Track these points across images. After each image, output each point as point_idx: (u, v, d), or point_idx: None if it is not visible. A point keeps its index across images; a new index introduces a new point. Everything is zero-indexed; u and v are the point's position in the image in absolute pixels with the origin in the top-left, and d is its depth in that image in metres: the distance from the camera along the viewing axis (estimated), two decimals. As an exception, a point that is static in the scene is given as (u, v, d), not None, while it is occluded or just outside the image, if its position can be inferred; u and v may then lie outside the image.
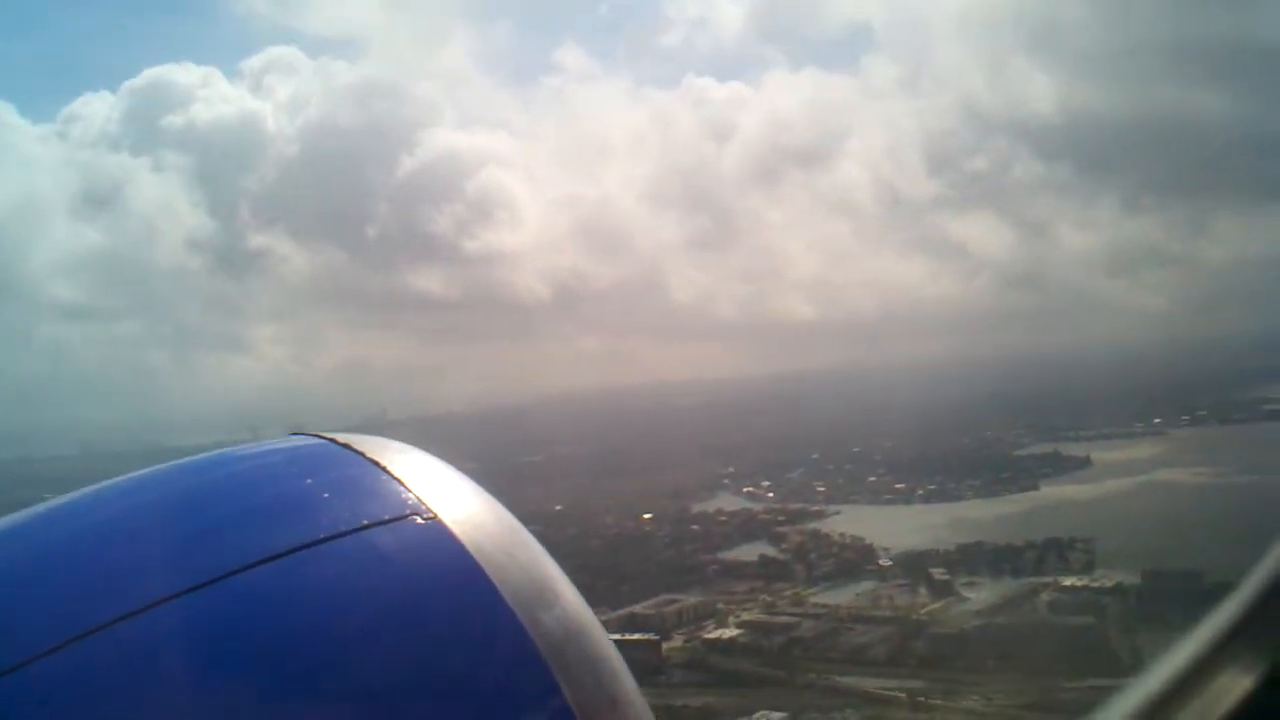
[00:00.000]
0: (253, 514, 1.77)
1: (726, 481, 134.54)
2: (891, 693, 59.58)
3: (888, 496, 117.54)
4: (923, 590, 79.05)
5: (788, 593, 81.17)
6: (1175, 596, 71.47)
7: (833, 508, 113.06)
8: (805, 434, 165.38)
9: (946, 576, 79.65)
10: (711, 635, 71.10)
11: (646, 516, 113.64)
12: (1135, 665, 62.05)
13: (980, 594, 77.19)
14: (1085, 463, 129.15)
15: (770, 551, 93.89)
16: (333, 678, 1.52)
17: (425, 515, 1.73)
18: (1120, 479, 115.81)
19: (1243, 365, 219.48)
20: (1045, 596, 74.88)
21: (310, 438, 2.06)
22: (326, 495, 1.78)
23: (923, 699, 58.03)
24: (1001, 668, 62.86)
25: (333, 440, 2.00)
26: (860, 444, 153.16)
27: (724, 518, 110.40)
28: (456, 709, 1.55)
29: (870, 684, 61.45)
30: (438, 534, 1.70)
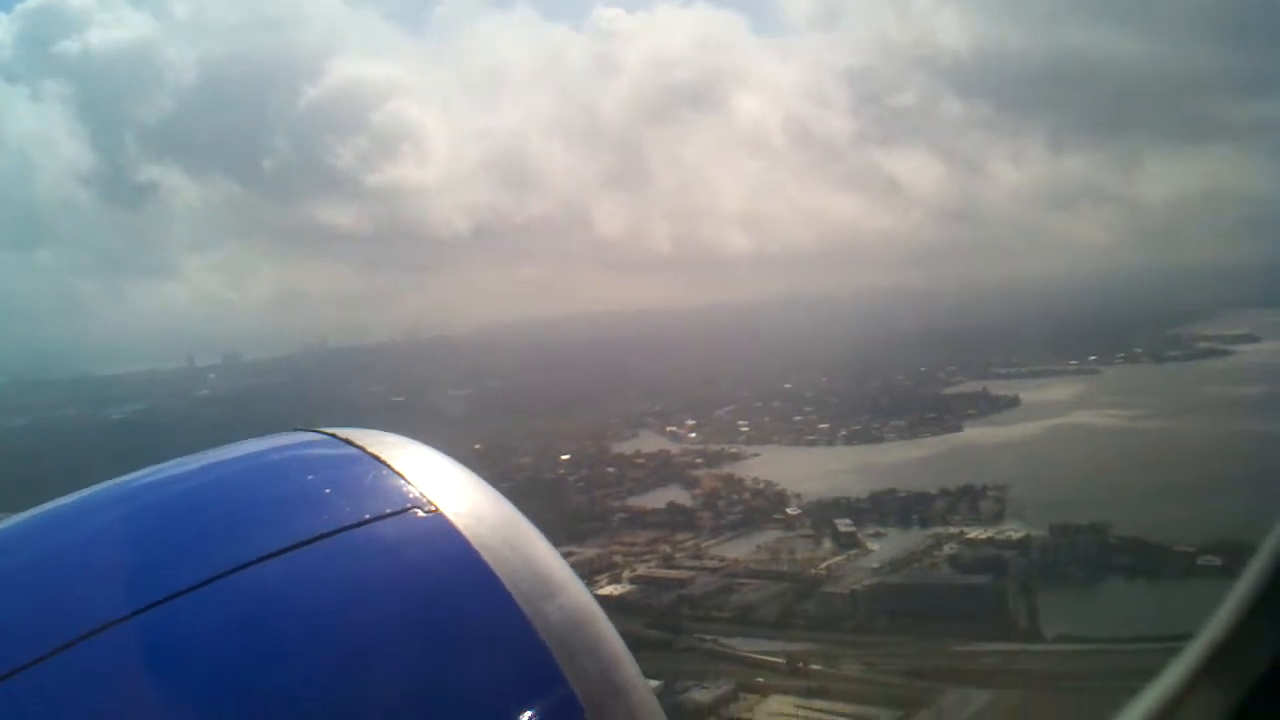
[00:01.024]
0: (254, 511, 1.81)
1: (652, 420, 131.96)
2: (772, 658, 57.41)
3: (810, 437, 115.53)
4: (827, 542, 77.07)
5: (688, 544, 78.93)
6: (1079, 552, 69.94)
7: (753, 449, 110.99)
8: (739, 369, 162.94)
9: (852, 528, 77.54)
10: (603, 592, 68.35)
11: (564, 458, 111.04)
12: (1028, 629, 60.39)
13: (884, 546, 75.28)
14: (1014, 402, 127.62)
15: (681, 497, 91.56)
16: (336, 673, 1.55)
17: (426, 508, 1.76)
18: (1040, 421, 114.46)
19: (1182, 300, 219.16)
20: (948, 549, 72.98)
21: (310, 433, 2.11)
22: (328, 491, 1.81)
23: (802, 664, 55.80)
24: (891, 629, 60.89)
25: (333, 435, 2.05)
26: (794, 380, 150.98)
27: (641, 460, 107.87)
28: (461, 700, 1.57)
29: (754, 647, 59.32)
30: (439, 527, 1.74)
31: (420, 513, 1.75)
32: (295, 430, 2.14)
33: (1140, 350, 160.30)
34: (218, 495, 1.90)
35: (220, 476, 2.01)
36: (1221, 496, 78.26)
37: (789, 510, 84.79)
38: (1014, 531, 74.25)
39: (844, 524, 78.34)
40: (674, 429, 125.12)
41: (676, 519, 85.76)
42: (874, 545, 75.60)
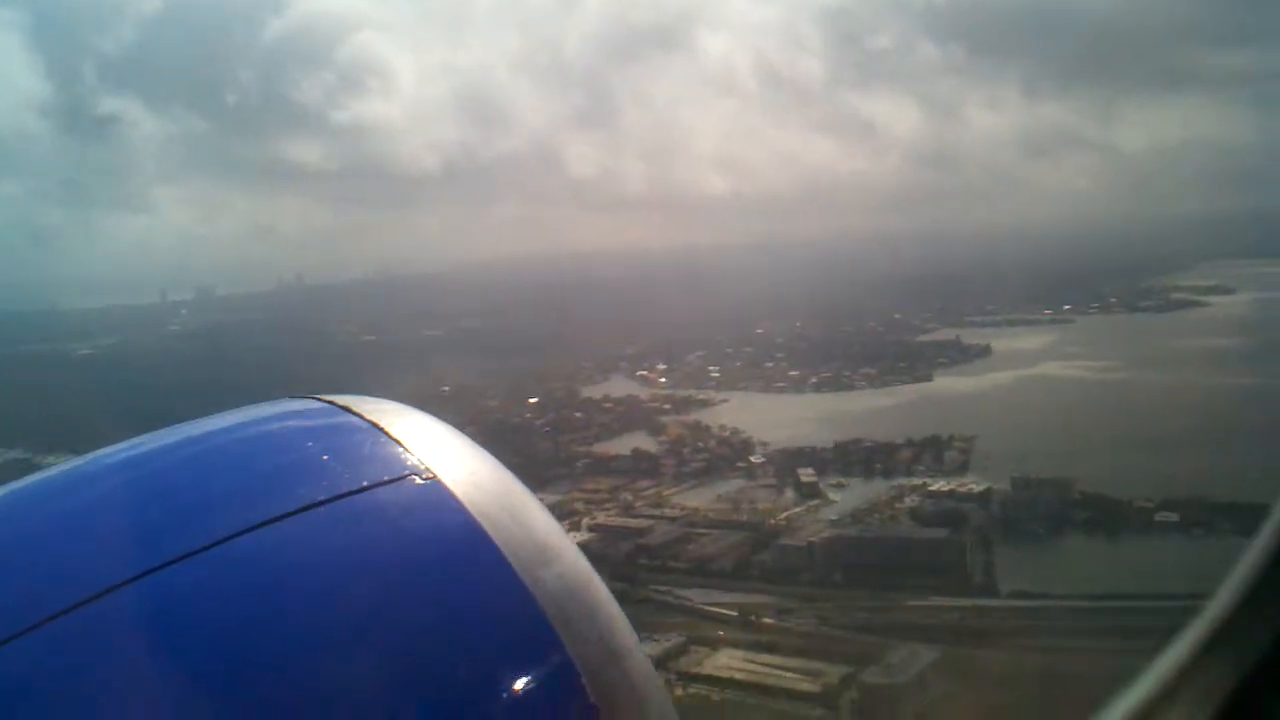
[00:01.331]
0: (251, 478, 1.82)
1: (624, 364, 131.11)
2: (725, 610, 57.21)
3: (780, 384, 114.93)
4: (789, 492, 76.77)
5: (650, 491, 78.56)
6: (1039, 507, 69.75)
7: (722, 395, 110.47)
8: (714, 312, 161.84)
9: (814, 478, 77.21)
10: (562, 539, 68.21)
11: (532, 401, 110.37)
12: (984, 584, 60.31)
13: (846, 496, 75.04)
14: (985, 351, 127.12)
15: (647, 444, 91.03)
16: (335, 640, 1.56)
17: (424, 475, 1.77)
18: (1009, 371, 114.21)
19: (1158, 250, 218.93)
20: (910, 501, 72.83)
21: (307, 400, 2.11)
22: (325, 458, 1.82)
23: (754, 618, 55.58)
24: (846, 583, 60.73)
25: (330, 402, 2.06)
26: (767, 325, 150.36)
27: (609, 405, 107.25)
28: (459, 666, 1.57)
29: (708, 599, 59.11)
30: (437, 494, 1.74)
31: (418, 479, 1.75)
32: (293, 397, 2.11)
33: (1114, 301, 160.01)
34: (216, 462, 1.89)
35: (218, 444, 1.98)
36: (1182, 450, 78.30)
37: (753, 459, 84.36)
38: (976, 484, 74.08)
39: (806, 474, 78.01)
40: (645, 373, 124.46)
41: (641, 466, 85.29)
42: (835, 496, 75.33)
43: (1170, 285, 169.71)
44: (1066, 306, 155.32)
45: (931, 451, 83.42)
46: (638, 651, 1.73)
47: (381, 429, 1.87)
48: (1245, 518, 66.83)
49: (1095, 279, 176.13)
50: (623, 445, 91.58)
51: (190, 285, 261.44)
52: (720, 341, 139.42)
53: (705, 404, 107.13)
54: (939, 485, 74.97)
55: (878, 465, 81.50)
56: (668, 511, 73.85)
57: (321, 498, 1.68)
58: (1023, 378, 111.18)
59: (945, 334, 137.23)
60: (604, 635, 1.67)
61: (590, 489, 79.22)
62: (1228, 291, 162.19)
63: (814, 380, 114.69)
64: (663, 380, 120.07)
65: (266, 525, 1.62)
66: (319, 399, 2.07)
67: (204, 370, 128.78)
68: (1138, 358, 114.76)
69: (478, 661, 1.58)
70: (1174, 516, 66.56)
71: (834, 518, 69.40)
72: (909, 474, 79.53)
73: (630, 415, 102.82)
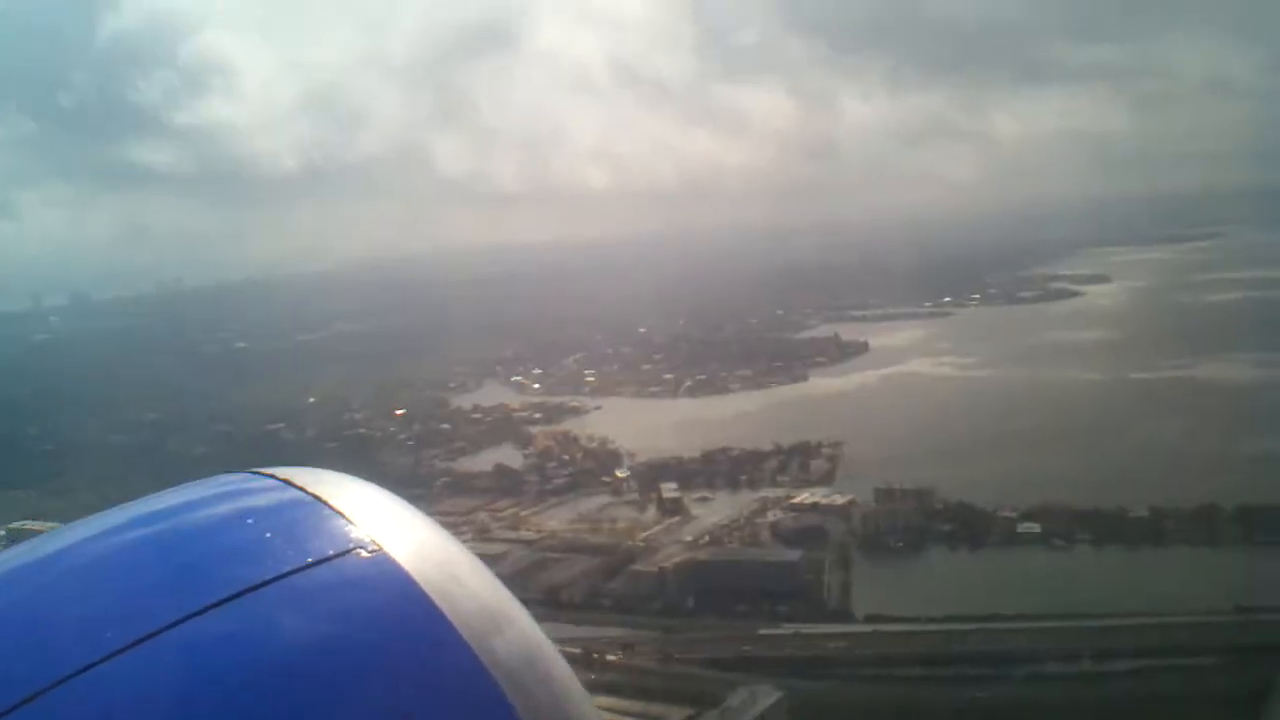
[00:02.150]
0: (195, 560, 1.78)
1: (500, 368, 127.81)
2: (569, 649, 54.33)
3: (654, 389, 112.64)
4: (651, 509, 74.41)
5: (508, 512, 75.60)
6: (901, 520, 68.25)
7: (596, 402, 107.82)
8: (597, 310, 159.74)
9: (676, 494, 74.98)
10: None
11: (399, 413, 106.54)
12: (838, 608, 58.41)
13: (708, 512, 72.91)
14: (863, 348, 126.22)
15: (512, 459, 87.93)
16: (285, 717, 1.53)
17: (369, 549, 1.74)
18: (879, 370, 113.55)
19: (1040, 237, 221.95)
20: (772, 515, 70.89)
21: (247, 475, 2.06)
22: (269, 535, 1.79)
23: (598, 655, 52.85)
24: (697, 610, 58.46)
25: (271, 475, 2.01)
26: (649, 323, 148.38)
27: (478, 415, 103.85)
28: None
29: (556, 634, 55.78)
30: (383, 567, 1.72)
31: (364, 553, 1.72)
32: (230, 472, 2.07)
33: (995, 291, 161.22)
34: (156, 547, 1.84)
35: (157, 528, 1.92)
36: (1041, 451, 77.79)
37: (618, 472, 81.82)
38: (840, 495, 72.36)
39: (669, 489, 75.72)
40: (520, 378, 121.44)
41: (503, 483, 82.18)
42: (698, 511, 73.21)
43: (1050, 275, 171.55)
44: (947, 299, 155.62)
45: (799, 460, 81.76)
46: (594, 717, 1.72)
47: (324, 501, 1.84)
48: (1101, 526, 66.32)
49: (979, 267, 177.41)
50: (487, 460, 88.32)
51: (65, 290, 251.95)
52: (600, 341, 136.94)
53: (578, 411, 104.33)
54: (803, 497, 73.15)
55: (743, 477, 79.59)
56: (524, 534, 70.90)
57: (267, 577, 1.64)
58: (890, 377, 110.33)
59: (824, 331, 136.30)
60: (559, 702, 1.65)
61: (446, 511, 75.47)
62: (1104, 280, 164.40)
63: (689, 383, 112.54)
64: (536, 386, 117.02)
65: (211, 609, 1.59)
66: (257, 472, 2.00)
67: (71, 385, 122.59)
68: (1005, 353, 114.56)
69: None
70: (1036, 527, 65.59)
71: (690, 538, 67.07)
72: (774, 484, 77.80)
73: (499, 426, 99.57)
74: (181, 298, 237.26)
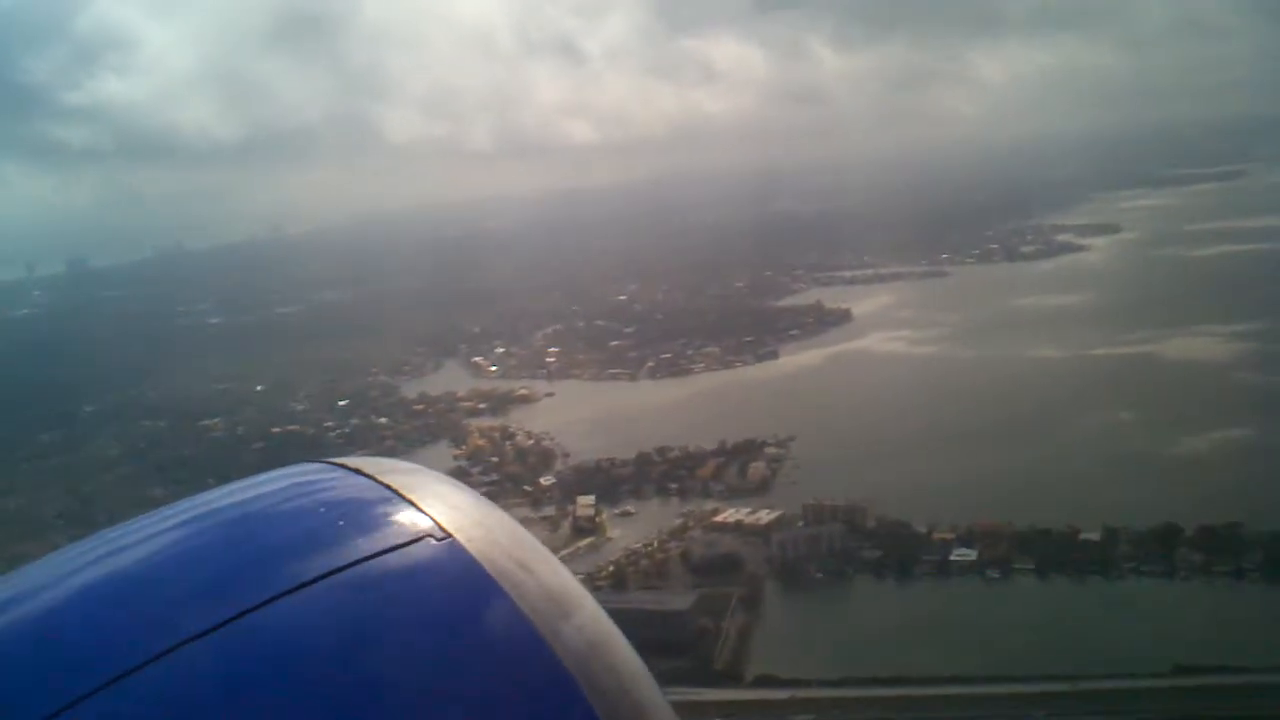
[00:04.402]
0: (271, 549, 1.83)
1: (464, 346, 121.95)
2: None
3: (614, 370, 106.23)
4: (566, 526, 68.45)
5: (417, 531, 69.66)
6: (824, 544, 61.82)
7: (550, 387, 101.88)
8: (580, 273, 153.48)
9: (592, 510, 69.06)
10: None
11: (342, 404, 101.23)
12: (729, 667, 52.03)
13: (628, 530, 66.88)
14: (845, 317, 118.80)
15: (440, 460, 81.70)
16: (360, 704, 1.57)
17: (439, 536, 1.79)
18: (841, 345, 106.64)
19: (1052, 175, 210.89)
20: (690, 536, 64.72)
21: (319, 464, 2.13)
22: (342, 523, 1.85)
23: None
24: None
25: (343, 465, 2.08)
26: (632, 290, 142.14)
27: (420, 406, 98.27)
28: None
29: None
30: (453, 554, 1.76)
31: (434, 540, 1.77)
32: (306, 462, 2.13)
33: (996, 247, 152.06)
34: (233, 535, 1.91)
35: (236, 516, 1.99)
36: (982, 453, 70.84)
37: (542, 480, 76.07)
38: (767, 512, 65.89)
39: (585, 504, 69.74)
40: (480, 359, 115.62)
41: (425, 492, 76.47)
42: (615, 531, 67.28)
43: (1057, 225, 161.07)
44: (945, 255, 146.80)
45: (739, 462, 75.31)
46: (661, 703, 1.74)
47: (395, 490, 1.90)
48: (1045, 552, 59.29)
49: (985, 217, 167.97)
50: (416, 461, 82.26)
51: (65, 255, 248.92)
52: (575, 313, 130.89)
53: (527, 400, 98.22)
54: (727, 515, 66.72)
55: (674, 485, 73.45)
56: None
57: (340, 565, 1.70)
58: (838, 357, 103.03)
59: (809, 296, 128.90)
60: (626, 687, 1.67)
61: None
62: (1114, 230, 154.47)
63: (651, 364, 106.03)
64: (493, 369, 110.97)
65: (286, 595, 1.64)
66: (332, 462, 2.07)
67: (23, 371, 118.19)
68: (970, 323, 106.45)
69: (502, 718, 1.60)
70: (971, 554, 58.77)
71: (593, 569, 60.98)
72: (705, 494, 71.52)
73: (438, 421, 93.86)
74: (181, 261, 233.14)
